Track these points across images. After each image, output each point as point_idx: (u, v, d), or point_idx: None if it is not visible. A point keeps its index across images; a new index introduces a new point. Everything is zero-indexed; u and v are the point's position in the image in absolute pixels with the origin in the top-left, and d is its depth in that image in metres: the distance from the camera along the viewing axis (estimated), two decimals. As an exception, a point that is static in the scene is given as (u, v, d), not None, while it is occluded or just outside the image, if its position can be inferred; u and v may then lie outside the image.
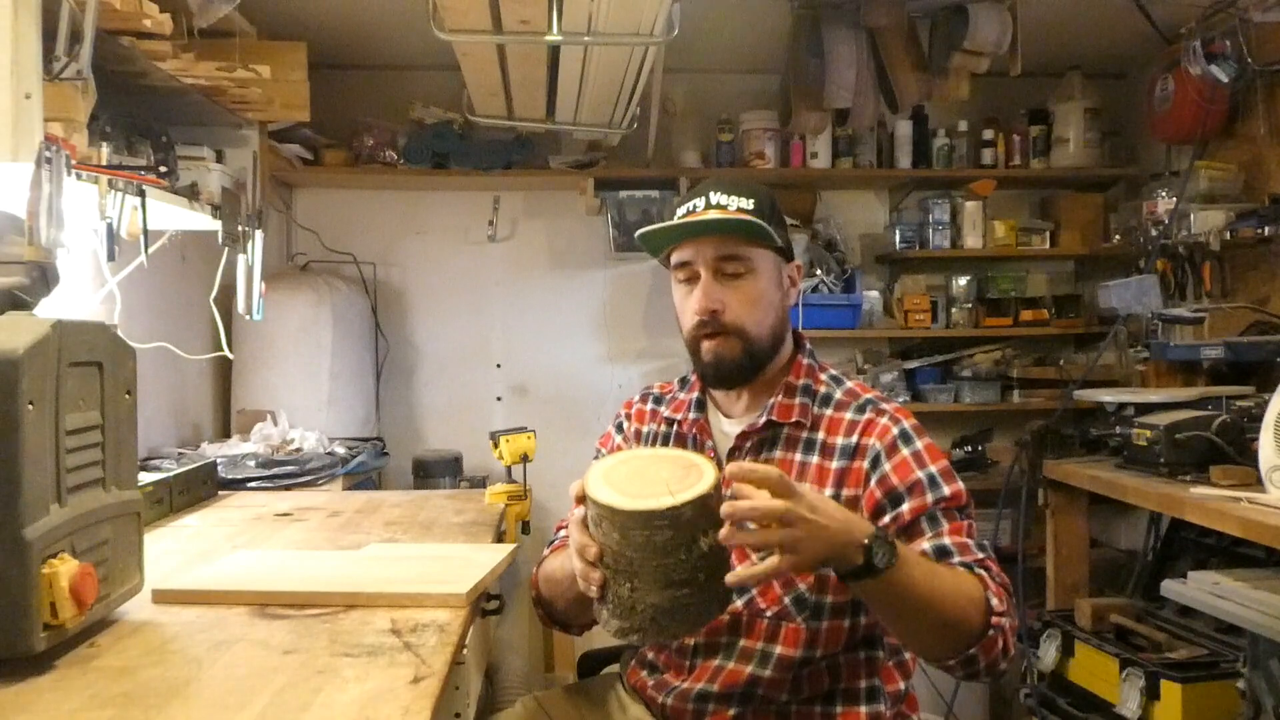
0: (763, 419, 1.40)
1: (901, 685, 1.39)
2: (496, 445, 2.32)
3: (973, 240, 3.48)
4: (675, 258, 1.41)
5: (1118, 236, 3.25)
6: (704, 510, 1.04)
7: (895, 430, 1.34)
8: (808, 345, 1.49)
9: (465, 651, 1.31)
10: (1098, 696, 2.38)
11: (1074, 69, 3.44)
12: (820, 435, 1.38)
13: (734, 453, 1.42)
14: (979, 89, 2.98)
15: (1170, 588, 2.24)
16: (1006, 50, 2.71)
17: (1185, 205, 2.86)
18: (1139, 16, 2.84)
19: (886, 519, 1.29)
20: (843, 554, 1.10)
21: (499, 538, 1.90)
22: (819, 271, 3.37)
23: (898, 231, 3.52)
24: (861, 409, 1.38)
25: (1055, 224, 3.56)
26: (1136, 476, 2.33)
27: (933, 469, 1.31)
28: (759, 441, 1.41)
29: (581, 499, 1.11)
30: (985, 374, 3.49)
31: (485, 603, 1.51)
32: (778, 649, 1.32)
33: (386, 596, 1.29)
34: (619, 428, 1.57)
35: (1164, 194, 2.97)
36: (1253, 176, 2.90)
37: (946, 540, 1.26)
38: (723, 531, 1.05)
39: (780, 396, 1.41)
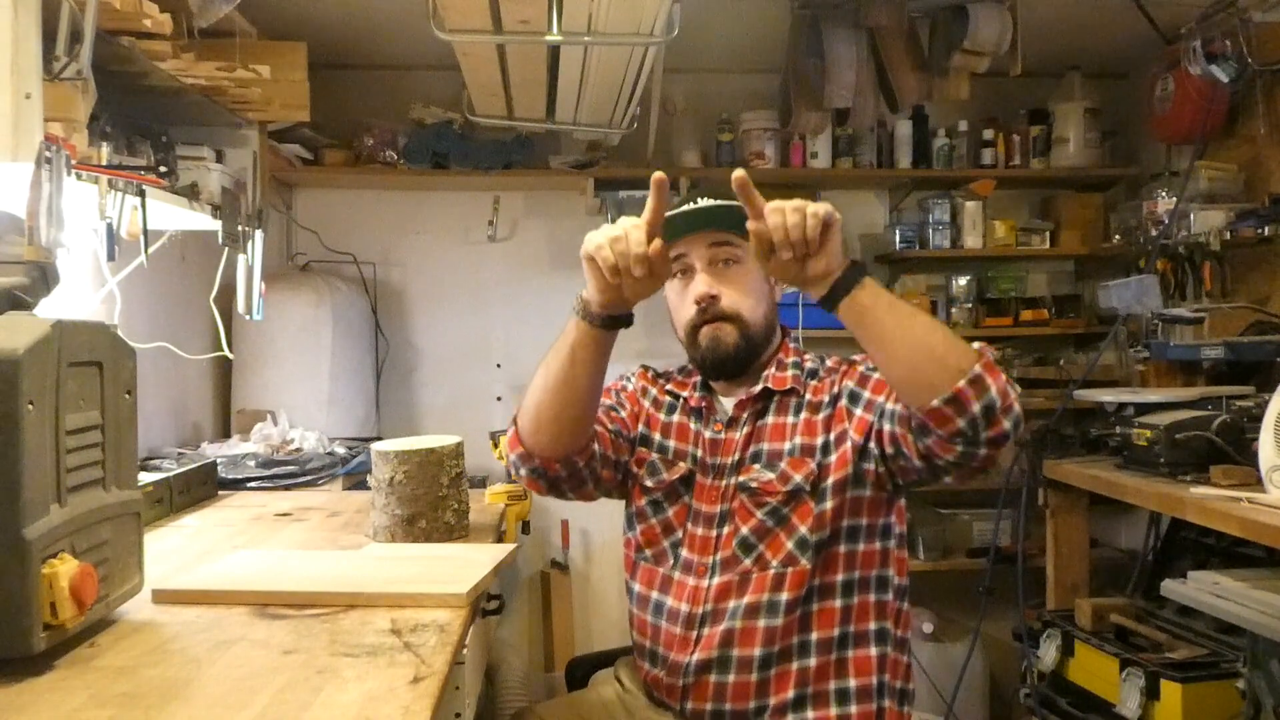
0: (759, 387, 1.49)
1: (901, 633, 1.48)
2: (496, 445, 2.32)
3: (973, 240, 3.47)
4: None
5: (1118, 236, 3.25)
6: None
7: (863, 367, 1.46)
8: (792, 333, 1.62)
9: (465, 651, 1.31)
10: (1098, 696, 2.38)
11: (1074, 69, 3.44)
12: (807, 397, 1.49)
13: (733, 423, 1.51)
14: (979, 89, 2.98)
15: (1170, 588, 2.24)
16: (1006, 50, 2.70)
17: (1185, 205, 2.85)
18: (1139, 16, 2.84)
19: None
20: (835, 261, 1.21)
21: (499, 538, 1.90)
22: (819, 271, 3.36)
23: (898, 231, 3.52)
24: (835, 369, 1.51)
25: (1055, 224, 3.55)
26: (1136, 476, 2.33)
27: None
28: (755, 411, 1.50)
29: None
30: (985, 374, 3.48)
31: (485, 603, 1.52)
32: (784, 595, 1.39)
33: (386, 596, 1.29)
34: (624, 378, 1.70)
35: (1164, 194, 2.97)
36: (1253, 176, 2.90)
37: None
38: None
39: (774, 369, 1.51)
